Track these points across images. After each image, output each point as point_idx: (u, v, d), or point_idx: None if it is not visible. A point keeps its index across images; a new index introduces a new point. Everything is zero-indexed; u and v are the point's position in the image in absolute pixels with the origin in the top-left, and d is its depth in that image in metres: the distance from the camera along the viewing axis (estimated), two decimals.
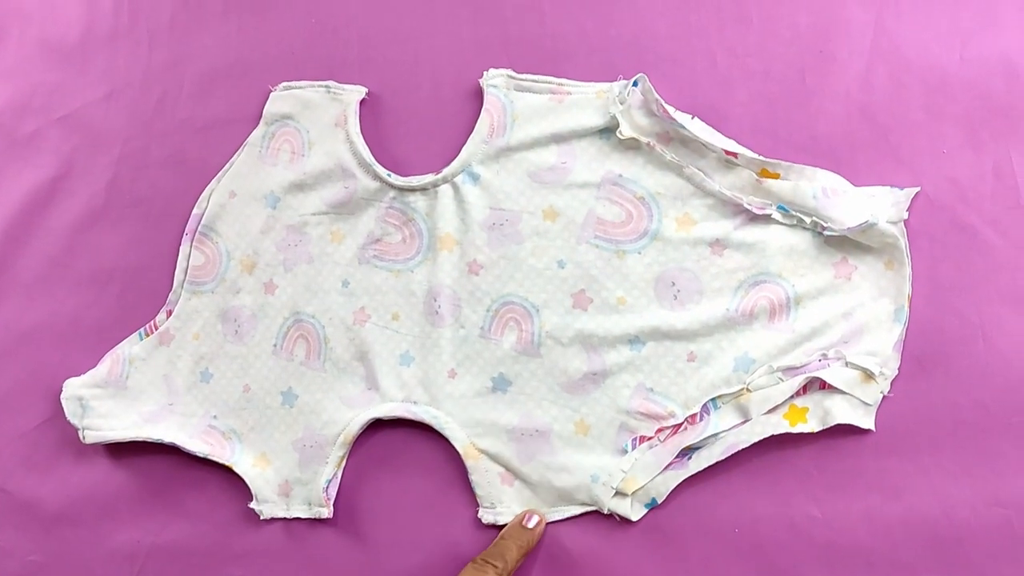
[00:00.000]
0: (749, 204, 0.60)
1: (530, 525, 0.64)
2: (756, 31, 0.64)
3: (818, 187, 0.59)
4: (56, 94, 0.80)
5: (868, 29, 0.62)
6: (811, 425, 0.60)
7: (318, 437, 0.70)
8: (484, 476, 0.67)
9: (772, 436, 0.60)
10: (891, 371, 0.60)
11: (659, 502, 0.63)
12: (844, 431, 0.60)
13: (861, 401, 0.60)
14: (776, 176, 0.60)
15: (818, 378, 0.60)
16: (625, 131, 0.63)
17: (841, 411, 0.60)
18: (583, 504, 0.65)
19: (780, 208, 0.60)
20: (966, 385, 0.58)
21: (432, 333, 0.69)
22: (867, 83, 0.61)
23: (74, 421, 0.74)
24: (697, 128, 0.64)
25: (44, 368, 0.77)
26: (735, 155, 0.61)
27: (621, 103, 0.64)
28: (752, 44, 0.64)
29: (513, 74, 0.68)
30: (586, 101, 0.66)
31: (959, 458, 0.58)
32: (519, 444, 0.66)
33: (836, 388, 0.60)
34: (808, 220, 0.60)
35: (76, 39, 0.80)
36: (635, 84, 0.64)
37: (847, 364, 0.60)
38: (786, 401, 0.61)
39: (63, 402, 0.74)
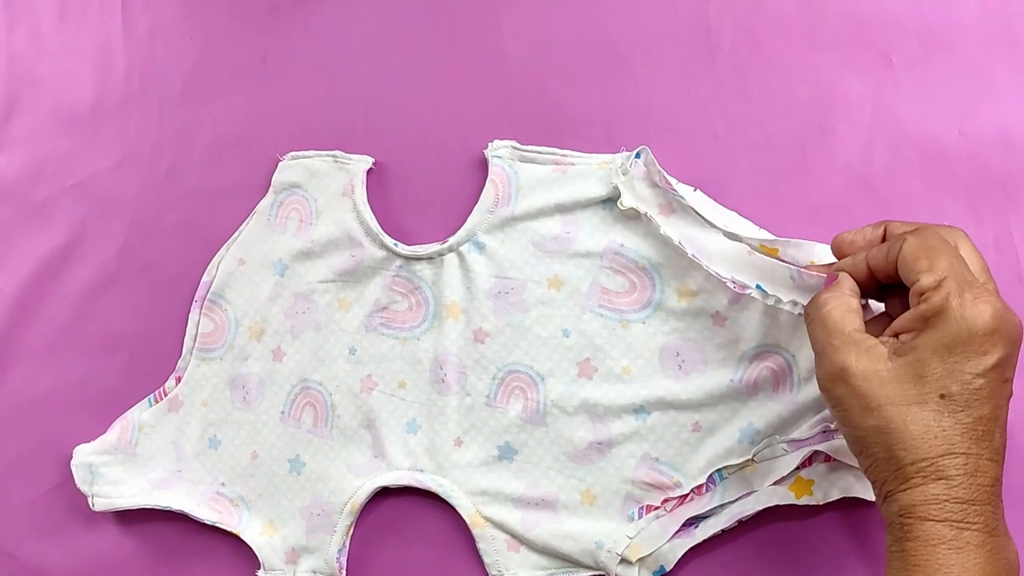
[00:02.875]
0: (732, 284, 0.60)
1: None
2: (756, 104, 0.64)
3: (795, 270, 0.57)
4: (68, 162, 0.81)
5: (867, 102, 0.62)
6: (816, 497, 0.60)
7: (325, 505, 0.70)
8: (491, 544, 0.67)
9: (780, 507, 0.60)
10: None
11: (667, 569, 0.63)
12: (853, 503, 0.60)
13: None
14: (774, 251, 0.61)
15: (823, 451, 0.60)
16: (626, 201, 0.64)
17: (846, 484, 0.59)
18: (589, 569, 0.65)
19: (758, 287, 0.59)
20: None
21: (438, 401, 0.69)
22: (867, 156, 0.62)
23: (84, 488, 0.74)
24: (699, 201, 0.64)
25: (54, 434, 0.78)
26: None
27: (624, 174, 0.64)
28: (752, 116, 0.64)
29: (517, 145, 0.69)
30: (589, 172, 0.66)
31: None
32: (524, 512, 0.66)
33: (841, 461, 0.60)
34: (785, 300, 0.58)
35: (88, 107, 0.81)
36: (638, 156, 0.64)
37: None
38: (792, 473, 0.61)
39: (73, 469, 0.75)
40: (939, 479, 0.43)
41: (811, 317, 0.50)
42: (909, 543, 0.44)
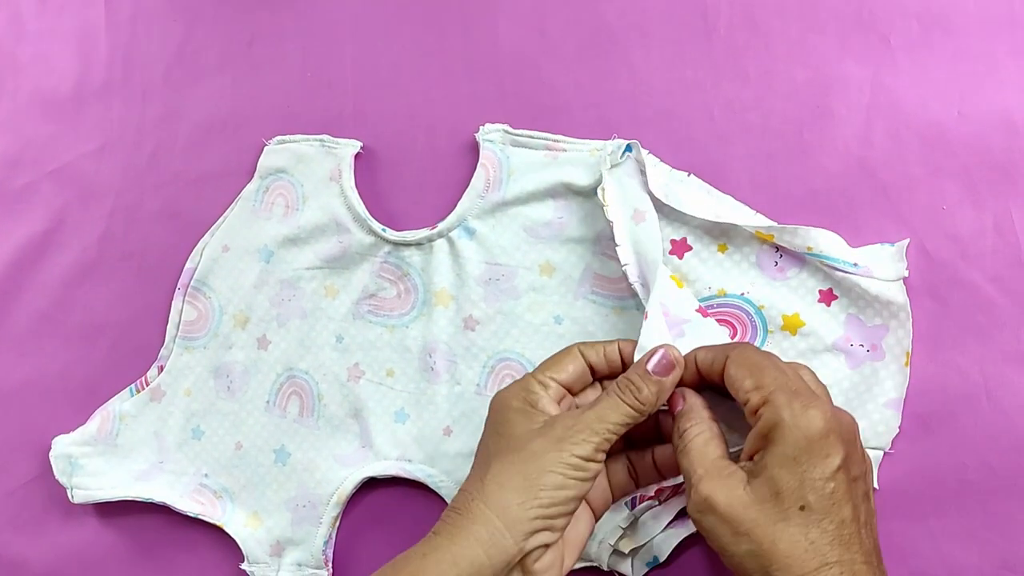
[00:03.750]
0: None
1: (656, 370, 0.53)
2: (753, 86, 0.63)
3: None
4: (48, 147, 0.79)
5: (866, 84, 0.61)
6: None
7: (311, 496, 0.69)
8: None
9: None
10: (891, 429, 0.59)
11: (661, 560, 0.62)
12: None
13: None
14: (769, 238, 0.60)
15: None
16: (605, 197, 0.62)
17: None
18: (581, 560, 0.63)
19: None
20: (971, 445, 0.57)
21: (427, 390, 0.68)
22: (865, 139, 0.61)
23: (63, 480, 0.73)
24: (693, 186, 0.63)
25: (32, 425, 0.76)
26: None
27: (612, 166, 0.63)
28: (749, 99, 0.64)
29: (509, 129, 0.67)
30: (580, 158, 0.65)
31: (965, 521, 0.57)
32: None
33: None
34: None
35: (69, 92, 0.80)
36: (629, 148, 0.63)
37: None
38: None
39: (52, 460, 0.74)
40: None
41: (678, 448, 0.51)
42: None
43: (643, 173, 0.62)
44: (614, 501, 0.57)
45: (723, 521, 0.46)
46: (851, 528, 0.45)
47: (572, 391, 0.55)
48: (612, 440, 0.51)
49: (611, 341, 0.56)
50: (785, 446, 0.45)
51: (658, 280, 0.59)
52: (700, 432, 0.50)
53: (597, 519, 0.57)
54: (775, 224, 0.60)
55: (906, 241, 0.59)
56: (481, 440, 0.55)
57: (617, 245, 0.61)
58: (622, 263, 0.61)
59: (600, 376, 0.57)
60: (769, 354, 0.50)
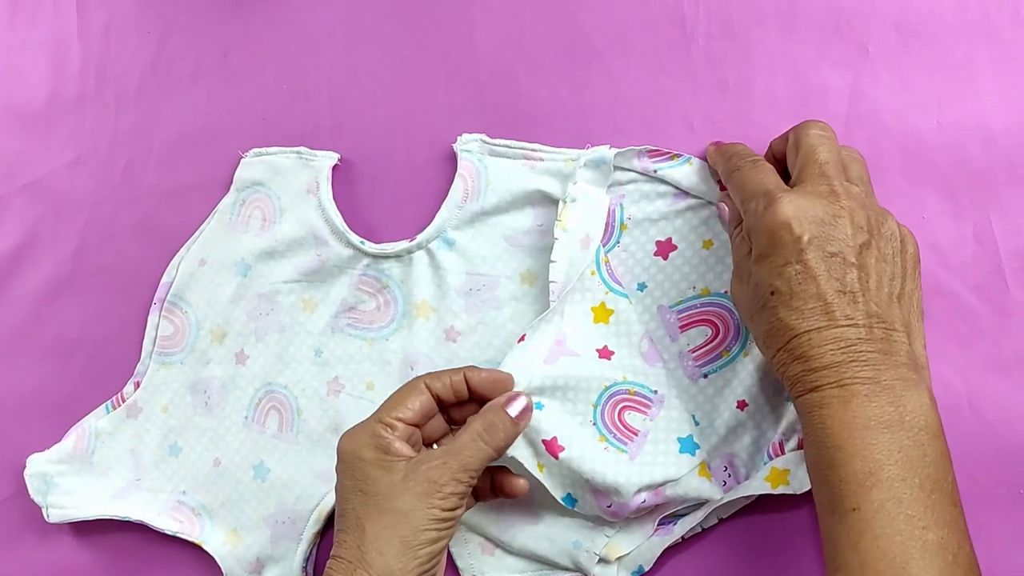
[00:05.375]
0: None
1: (513, 413, 0.56)
2: (732, 96, 0.63)
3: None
4: (20, 161, 0.79)
5: (844, 94, 0.61)
6: (793, 487, 0.58)
7: (291, 512, 0.68)
8: (464, 547, 0.65)
9: (759, 501, 0.59)
10: None
11: (646, 569, 0.62)
12: None
13: None
14: None
15: (797, 437, 0.59)
16: (562, 214, 0.62)
17: None
18: (567, 570, 0.63)
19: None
20: (954, 455, 0.56)
21: None
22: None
23: (38, 499, 0.72)
24: (695, 166, 0.62)
25: (6, 443, 0.76)
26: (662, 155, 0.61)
27: (586, 164, 0.63)
28: (728, 109, 0.63)
29: (487, 139, 0.67)
30: (557, 168, 0.65)
31: None
32: (499, 514, 0.64)
33: None
34: None
35: (41, 105, 0.79)
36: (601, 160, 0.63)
37: None
38: (767, 464, 0.59)
39: (26, 479, 0.73)
40: (795, 360, 0.48)
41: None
42: (803, 420, 0.49)
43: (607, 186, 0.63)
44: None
45: (738, 309, 0.55)
46: (834, 296, 0.48)
47: (419, 426, 0.56)
48: (475, 482, 0.54)
49: (456, 370, 0.57)
50: (757, 246, 0.50)
51: (564, 310, 0.62)
52: (739, 232, 0.55)
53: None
54: None
55: None
56: (341, 493, 0.55)
57: (552, 261, 0.62)
58: (550, 278, 0.61)
59: (447, 405, 0.58)
60: (761, 165, 0.55)
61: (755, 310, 0.51)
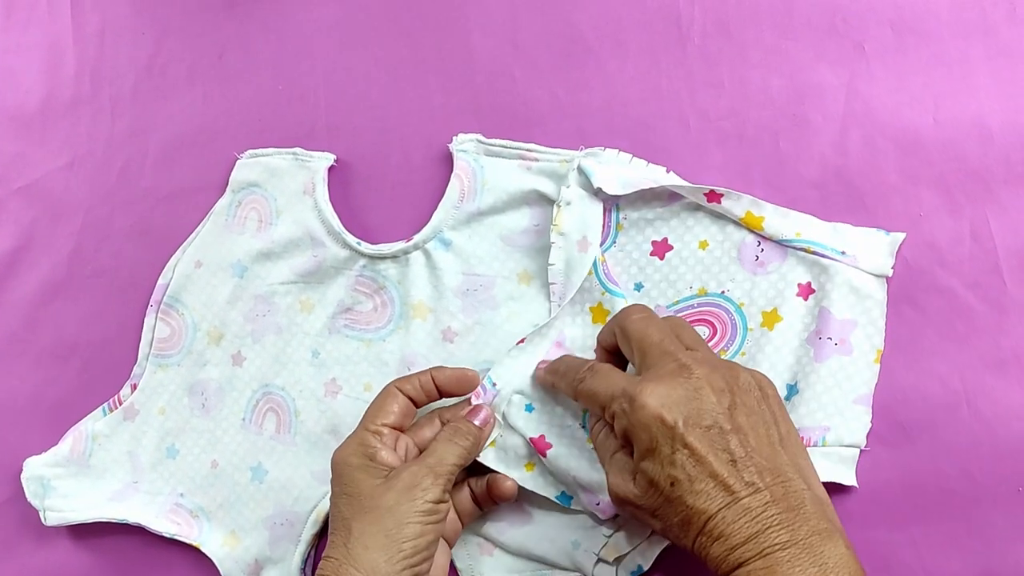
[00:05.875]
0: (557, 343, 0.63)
1: (478, 423, 0.61)
2: (728, 95, 0.63)
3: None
4: (15, 164, 0.78)
5: (840, 92, 0.61)
6: None
7: (289, 514, 0.68)
8: (463, 547, 0.65)
9: None
10: (864, 425, 0.59)
11: (645, 568, 0.61)
12: (830, 489, 0.58)
13: (839, 455, 0.58)
14: (759, 221, 0.60)
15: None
16: (557, 217, 0.62)
17: (822, 470, 0.58)
18: (566, 570, 0.63)
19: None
20: (952, 453, 0.57)
21: None
22: (841, 147, 0.61)
23: (35, 502, 0.72)
24: (672, 179, 0.63)
25: (3, 446, 0.75)
26: (719, 199, 0.60)
27: (572, 181, 0.63)
28: (724, 108, 0.63)
29: (482, 139, 0.67)
30: (553, 168, 0.65)
31: (947, 529, 0.57)
32: (497, 515, 0.64)
33: (816, 447, 0.58)
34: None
35: (36, 107, 0.79)
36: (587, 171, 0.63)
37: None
38: None
39: (23, 482, 0.72)
40: (715, 541, 0.47)
41: (593, 444, 0.58)
42: None
43: (597, 190, 0.62)
44: (464, 527, 0.63)
45: (634, 509, 0.51)
46: (727, 469, 0.48)
47: (402, 429, 0.61)
48: (454, 478, 0.58)
49: (424, 372, 0.62)
50: (638, 444, 0.50)
51: (563, 313, 0.63)
52: (595, 435, 0.56)
53: (452, 546, 0.63)
54: (767, 203, 0.60)
55: (902, 235, 0.59)
56: (332, 503, 0.59)
57: (551, 264, 0.62)
58: (549, 280, 0.63)
59: (420, 405, 0.62)
60: (599, 368, 0.55)
61: (659, 505, 0.50)
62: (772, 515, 0.47)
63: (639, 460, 0.50)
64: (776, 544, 0.46)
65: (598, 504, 0.59)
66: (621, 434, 0.51)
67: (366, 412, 0.61)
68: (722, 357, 0.61)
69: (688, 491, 0.48)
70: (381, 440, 0.59)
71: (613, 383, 0.53)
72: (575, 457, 0.60)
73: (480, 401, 0.62)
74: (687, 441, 0.48)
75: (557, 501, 0.61)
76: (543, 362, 0.62)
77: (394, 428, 0.60)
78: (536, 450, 0.61)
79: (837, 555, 0.46)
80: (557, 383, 0.59)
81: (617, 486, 0.52)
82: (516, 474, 0.62)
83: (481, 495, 0.63)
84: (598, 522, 0.62)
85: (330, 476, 0.62)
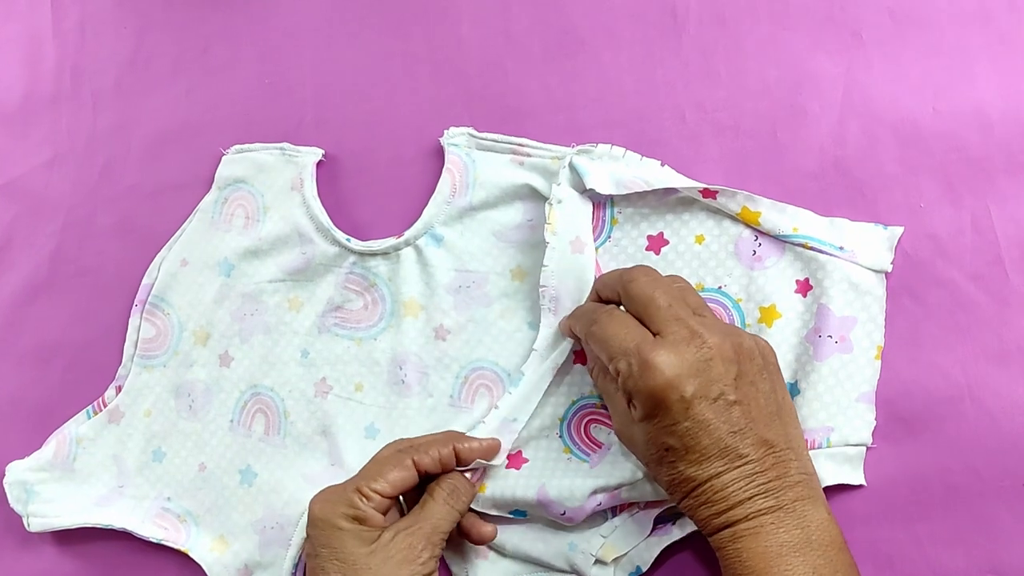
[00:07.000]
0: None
1: (473, 477, 0.60)
2: (724, 85, 0.62)
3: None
4: None
5: (839, 82, 0.60)
6: None
7: (279, 517, 0.67)
8: (458, 551, 0.64)
9: None
10: (867, 423, 0.58)
11: (644, 570, 0.60)
12: (832, 495, 0.57)
13: (845, 455, 0.57)
14: (756, 216, 0.59)
15: None
16: (550, 216, 0.61)
17: (828, 471, 0.57)
18: (562, 572, 0.62)
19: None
20: (956, 448, 0.56)
21: (398, 403, 0.66)
22: (840, 137, 0.60)
23: (18, 508, 0.71)
24: (666, 174, 0.62)
25: None
26: (714, 195, 0.59)
27: (563, 179, 0.62)
28: (721, 99, 0.62)
29: (474, 133, 0.66)
30: (544, 165, 0.64)
31: (952, 525, 0.56)
32: (492, 517, 0.63)
33: (819, 448, 0.58)
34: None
35: (16, 103, 0.78)
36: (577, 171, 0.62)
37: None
38: None
39: (6, 487, 0.71)
40: (702, 505, 0.50)
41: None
42: (719, 553, 0.51)
43: (588, 190, 0.61)
44: None
45: (630, 448, 0.55)
46: (727, 439, 0.49)
47: (395, 499, 0.58)
48: (444, 544, 0.57)
49: (444, 441, 0.59)
50: (641, 407, 0.50)
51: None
52: (599, 373, 0.56)
53: None
54: (763, 198, 0.59)
55: (900, 229, 0.58)
56: (317, 561, 0.55)
57: (544, 266, 0.61)
58: (541, 283, 0.61)
59: (432, 475, 0.59)
60: (616, 314, 0.54)
61: (651, 461, 0.52)
62: (760, 484, 0.49)
63: (639, 420, 0.51)
64: (763, 509, 0.49)
65: (563, 514, 0.59)
66: (624, 391, 0.52)
67: (365, 467, 0.57)
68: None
69: (680, 459, 0.50)
70: (369, 503, 0.55)
71: (628, 335, 0.52)
72: (548, 470, 0.60)
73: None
74: (693, 412, 0.49)
75: (512, 516, 0.62)
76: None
77: (386, 497, 0.56)
78: (511, 465, 0.61)
79: (819, 519, 0.50)
80: (573, 326, 0.58)
81: (615, 423, 0.55)
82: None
83: (455, 537, 0.61)
84: (595, 524, 0.61)
85: (322, 476, 0.61)
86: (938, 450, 0.57)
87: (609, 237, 0.63)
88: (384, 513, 0.56)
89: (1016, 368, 0.56)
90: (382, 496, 0.56)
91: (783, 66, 0.62)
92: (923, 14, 0.59)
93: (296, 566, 0.66)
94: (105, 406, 0.72)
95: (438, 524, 0.56)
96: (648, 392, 0.49)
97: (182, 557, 0.68)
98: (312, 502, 0.56)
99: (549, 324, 0.61)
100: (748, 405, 0.50)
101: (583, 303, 0.60)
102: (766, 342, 0.54)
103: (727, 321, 0.60)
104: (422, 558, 0.55)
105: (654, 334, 0.51)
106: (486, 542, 0.61)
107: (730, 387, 0.50)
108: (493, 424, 0.61)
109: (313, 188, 0.69)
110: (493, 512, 0.62)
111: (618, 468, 0.59)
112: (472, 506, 0.61)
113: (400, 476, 0.56)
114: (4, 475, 0.71)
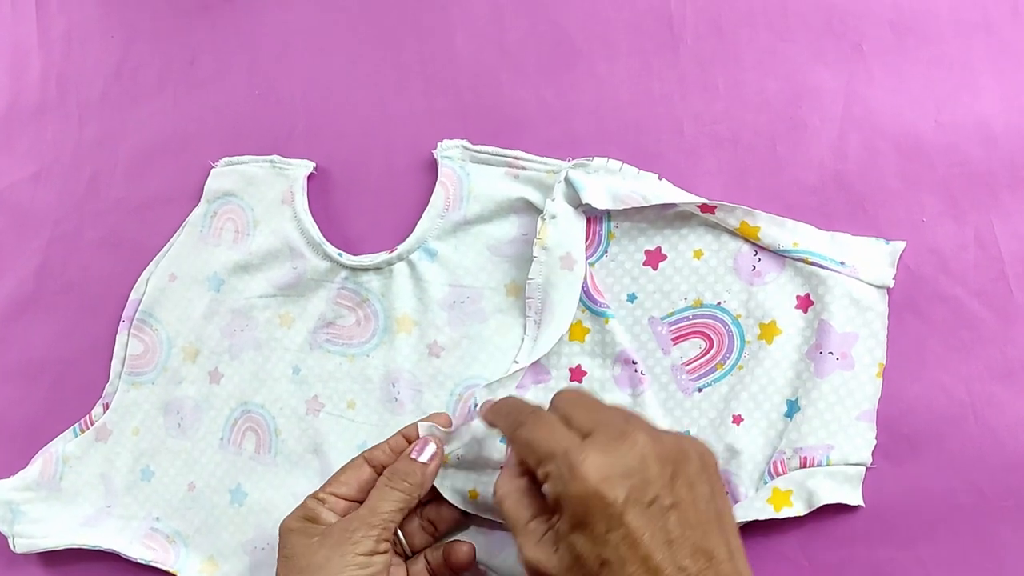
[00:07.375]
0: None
1: (422, 459, 0.58)
2: (723, 98, 0.61)
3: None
4: None
5: (839, 95, 0.59)
6: (797, 508, 0.57)
7: (271, 538, 0.66)
8: None
9: (757, 522, 0.57)
10: (868, 442, 0.57)
11: None
12: (832, 515, 0.57)
13: (844, 475, 0.57)
14: (755, 231, 0.58)
15: (799, 455, 0.57)
16: (541, 231, 0.61)
17: (827, 490, 0.56)
18: None
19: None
20: (959, 467, 0.56)
21: (391, 421, 0.65)
22: (840, 151, 0.59)
23: (3, 528, 0.70)
24: (664, 188, 0.61)
25: None
26: (712, 210, 0.58)
27: (562, 192, 0.61)
28: (719, 111, 0.61)
29: (468, 145, 0.65)
30: (539, 179, 0.63)
31: (955, 546, 0.55)
32: (489, 536, 0.62)
33: (819, 466, 0.57)
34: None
35: (0, 114, 0.76)
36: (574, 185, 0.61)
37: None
38: (768, 483, 0.58)
39: None
40: None
41: (497, 511, 0.52)
42: None
43: (584, 205, 0.61)
44: None
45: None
46: (661, 552, 0.45)
47: (358, 500, 0.58)
48: (392, 528, 0.55)
49: (396, 434, 0.60)
50: (571, 515, 0.46)
51: (541, 335, 0.61)
52: (509, 493, 0.51)
53: None
54: (762, 212, 0.58)
55: (902, 244, 0.57)
56: (277, 571, 0.57)
57: (530, 279, 0.61)
58: (527, 295, 0.61)
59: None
60: (543, 416, 0.51)
61: None
62: None
63: (569, 532, 0.47)
64: None
65: None
66: (553, 498, 0.48)
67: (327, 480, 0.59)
68: (719, 370, 0.59)
69: (618, 573, 0.45)
70: (324, 505, 0.57)
71: (555, 439, 0.49)
72: None
73: (462, 422, 0.59)
74: (625, 520, 0.45)
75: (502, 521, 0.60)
76: (488, 401, 0.58)
77: (344, 499, 0.57)
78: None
79: None
80: (497, 423, 0.55)
81: (535, 556, 0.48)
82: (459, 501, 0.61)
83: (437, 567, 0.60)
84: None
85: None
86: (941, 469, 0.56)
87: (606, 252, 0.62)
88: (343, 515, 0.56)
89: (1020, 385, 0.55)
90: (337, 497, 0.57)
91: (782, 78, 0.61)
92: (925, 25, 0.59)
93: None
94: (92, 424, 0.71)
95: (376, 505, 0.55)
96: (577, 497, 0.46)
97: None
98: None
99: (532, 337, 0.61)
100: (685, 510, 0.47)
101: (506, 398, 0.57)
102: (704, 445, 0.50)
103: (726, 337, 0.59)
104: (354, 537, 0.54)
105: (583, 436, 0.48)
106: (466, 565, 0.60)
107: (665, 489, 0.46)
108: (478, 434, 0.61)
109: (304, 201, 0.68)
110: (487, 516, 0.61)
111: None
112: (466, 510, 0.60)
113: (352, 474, 0.58)
114: None
